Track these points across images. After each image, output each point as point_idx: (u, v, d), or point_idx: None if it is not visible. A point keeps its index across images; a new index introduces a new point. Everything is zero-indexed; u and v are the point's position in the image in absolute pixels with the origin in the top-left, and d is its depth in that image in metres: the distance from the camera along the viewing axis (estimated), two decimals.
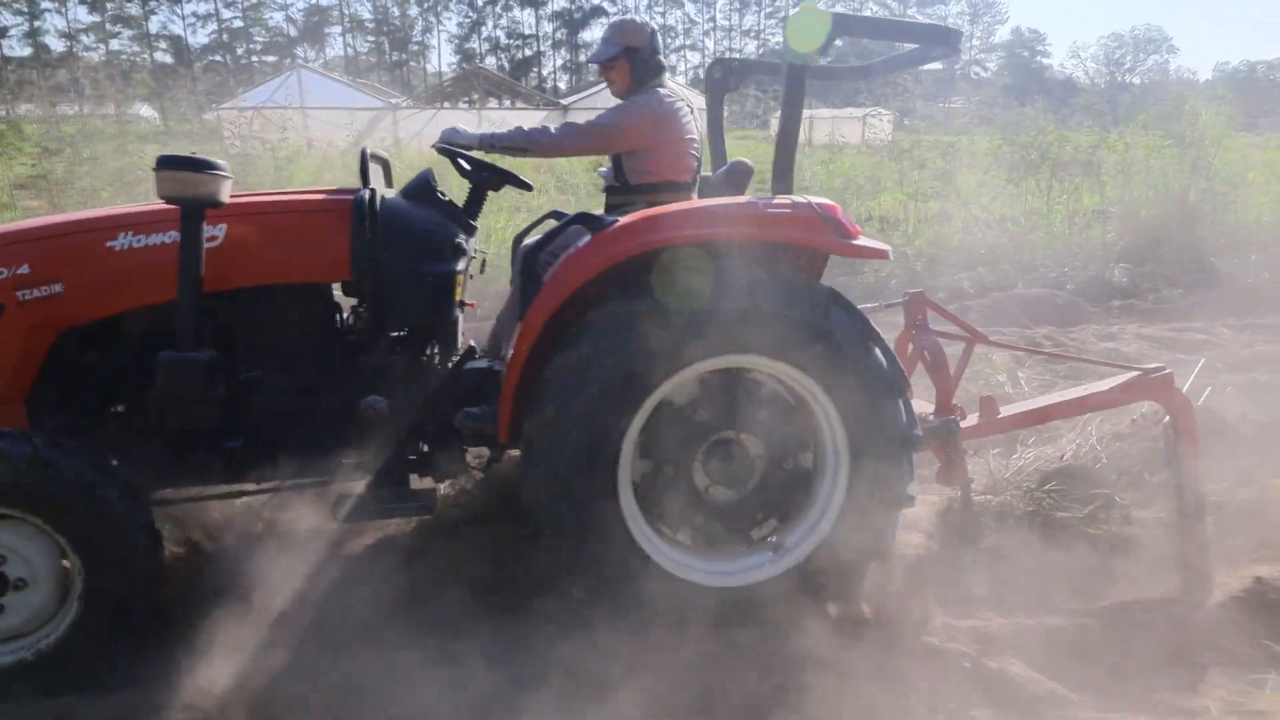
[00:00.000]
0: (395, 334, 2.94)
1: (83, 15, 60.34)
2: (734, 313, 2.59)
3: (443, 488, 3.47)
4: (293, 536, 3.12)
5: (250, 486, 2.93)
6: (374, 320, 2.86)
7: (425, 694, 2.35)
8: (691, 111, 3.56)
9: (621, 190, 3.46)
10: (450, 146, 3.23)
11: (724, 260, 2.63)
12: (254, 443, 2.78)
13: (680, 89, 3.73)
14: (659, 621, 2.61)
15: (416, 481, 3.02)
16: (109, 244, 2.66)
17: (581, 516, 2.61)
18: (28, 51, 57.50)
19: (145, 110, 16.13)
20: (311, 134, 12.37)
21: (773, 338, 2.62)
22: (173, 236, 2.59)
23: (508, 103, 34.90)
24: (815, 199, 2.79)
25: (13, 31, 58.07)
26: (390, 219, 2.88)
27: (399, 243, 2.86)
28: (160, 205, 2.61)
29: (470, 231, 3.17)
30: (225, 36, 63.37)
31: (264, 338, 2.81)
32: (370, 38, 71.44)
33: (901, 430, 2.74)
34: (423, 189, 3.08)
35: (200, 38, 63.55)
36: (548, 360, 2.61)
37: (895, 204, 10.77)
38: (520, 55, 73.68)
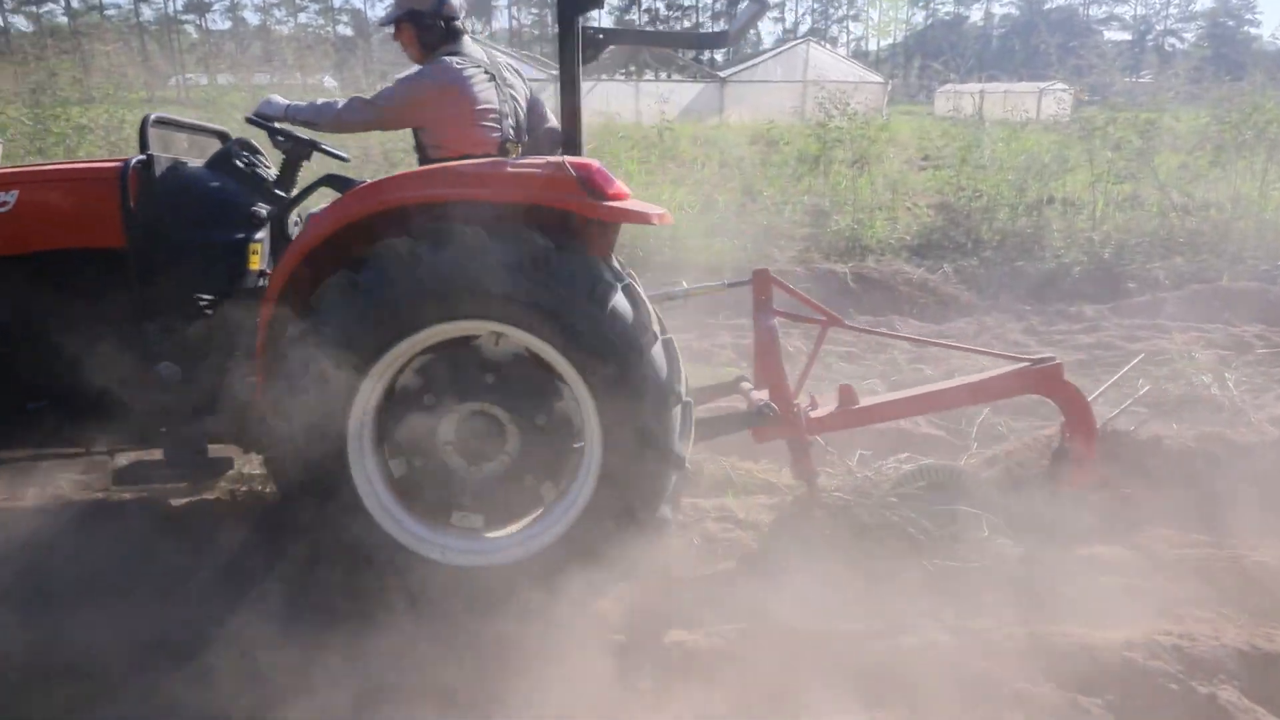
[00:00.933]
0: (188, 301, 2.88)
1: None
2: (455, 277, 2.46)
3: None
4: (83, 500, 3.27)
5: (54, 450, 3.00)
6: (163, 287, 2.84)
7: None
8: (493, 79, 3.31)
9: (422, 165, 3.18)
10: (259, 118, 3.16)
11: (456, 222, 2.48)
12: (54, 407, 2.83)
13: (486, 53, 3.45)
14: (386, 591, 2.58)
15: (215, 450, 3.00)
16: None
17: (317, 493, 2.59)
18: (228, 25, 62.36)
19: (328, 80, 17.08)
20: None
21: (499, 303, 2.47)
22: None
23: (663, 75, 34.80)
24: (575, 158, 2.60)
25: (216, 7, 63.12)
26: (176, 187, 2.89)
27: (184, 211, 2.87)
28: None
29: (273, 201, 3.11)
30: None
31: (55, 302, 2.79)
32: (534, 9, 72.96)
33: (659, 388, 2.54)
34: (222, 159, 3.08)
35: (378, 10, 66.71)
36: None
37: (1081, 185, 10.04)
38: (680, 25, 73.34)
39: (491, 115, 3.28)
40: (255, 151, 3.29)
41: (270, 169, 3.29)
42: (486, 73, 3.33)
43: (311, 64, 15.31)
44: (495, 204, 2.54)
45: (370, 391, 2.63)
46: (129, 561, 2.89)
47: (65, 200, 2.90)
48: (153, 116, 3.12)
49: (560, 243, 2.54)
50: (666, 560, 2.88)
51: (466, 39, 3.43)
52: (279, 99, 3.28)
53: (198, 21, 62.95)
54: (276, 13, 63.82)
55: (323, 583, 2.70)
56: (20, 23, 59.75)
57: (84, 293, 2.85)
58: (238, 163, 3.16)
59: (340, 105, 3.26)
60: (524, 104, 3.53)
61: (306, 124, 3.24)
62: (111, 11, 62.12)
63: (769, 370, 3.21)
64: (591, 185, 2.53)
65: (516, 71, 3.57)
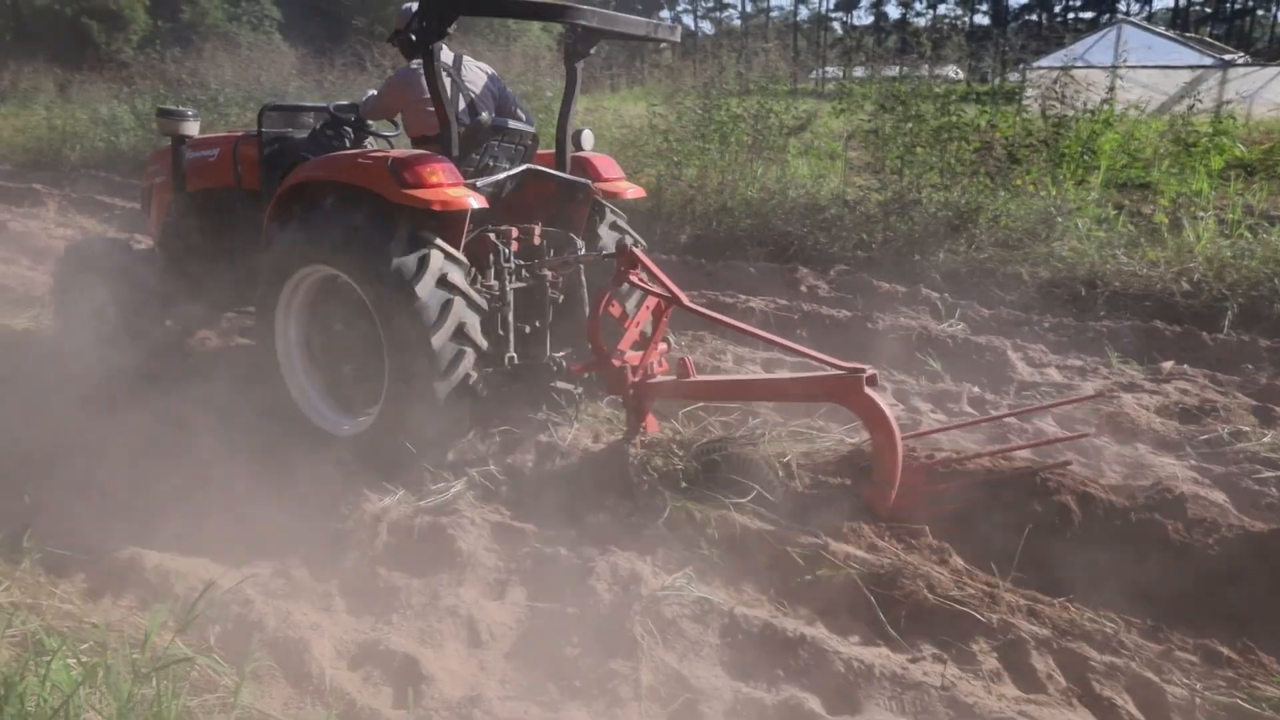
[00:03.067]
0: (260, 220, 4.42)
1: None
2: (304, 237, 3.90)
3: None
4: None
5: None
6: (254, 214, 4.62)
7: None
8: (450, 77, 4.26)
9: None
10: (337, 111, 4.73)
11: (329, 197, 3.87)
12: (236, 279, 4.71)
13: (455, 58, 4.44)
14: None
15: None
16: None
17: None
18: (869, 20, 65.76)
19: (952, 71, 16.62)
20: (1131, 95, 11.24)
21: (327, 253, 3.81)
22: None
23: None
24: (408, 153, 3.76)
25: (863, 3, 66.98)
26: (271, 152, 4.72)
27: (272, 167, 4.65)
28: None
29: None
30: None
31: (220, 217, 4.91)
32: None
33: (421, 329, 3.55)
34: (315, 133, 4.75)
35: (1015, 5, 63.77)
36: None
37: None
38: None
39: (442, 105, 3.97)
40: (340, 125, 4.68)
41: (347, 140, 4.72)
42: (445, 74, 4.14)
43: (945, 54, 15.46)
44: (343, 184, 3.82)
45: (289, 298, 4.13)
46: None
47: (219, 156, 4.92)
48: (265, 105, 4.85)
49: (405, 216, 3.66)
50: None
51: (441, 48, 4.11)
52: (372, 91, 4.79)
53: (844, 18, 67.54)
54: (917, 5, 65.27)
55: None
56: (706, 26, 71.08)
57: (227, 212, 4.83)
58: (325, 135, 4.64)
59: (364, 102, 4.70)
60: (481, 94, 4.50)
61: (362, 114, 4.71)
62: (775, 12, 70.23)
63: (592, 332, 3.85)
64: (400, 176, 3.59)
65: (484, 70, 4.63)
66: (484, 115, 4.31)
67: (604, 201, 4.60)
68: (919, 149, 8.65)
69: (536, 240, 4.28)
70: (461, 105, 4.35)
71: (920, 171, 8.44)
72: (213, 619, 2.90)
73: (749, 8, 70.90)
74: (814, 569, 3.02)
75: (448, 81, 4.23)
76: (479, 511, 3.44)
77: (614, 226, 4.65)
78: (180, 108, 5.16)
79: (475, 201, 3.71)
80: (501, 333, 3.98)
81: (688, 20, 73.74)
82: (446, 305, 3.59)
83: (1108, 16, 52.81)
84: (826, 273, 7.56)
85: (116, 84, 17.78)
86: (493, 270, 4.00)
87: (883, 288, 7.03)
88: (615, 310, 3.99)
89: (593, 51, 4.44)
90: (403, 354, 3.64)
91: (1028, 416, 4.33)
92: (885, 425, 3.25)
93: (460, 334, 3.64)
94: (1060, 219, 7.57)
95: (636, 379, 3.84)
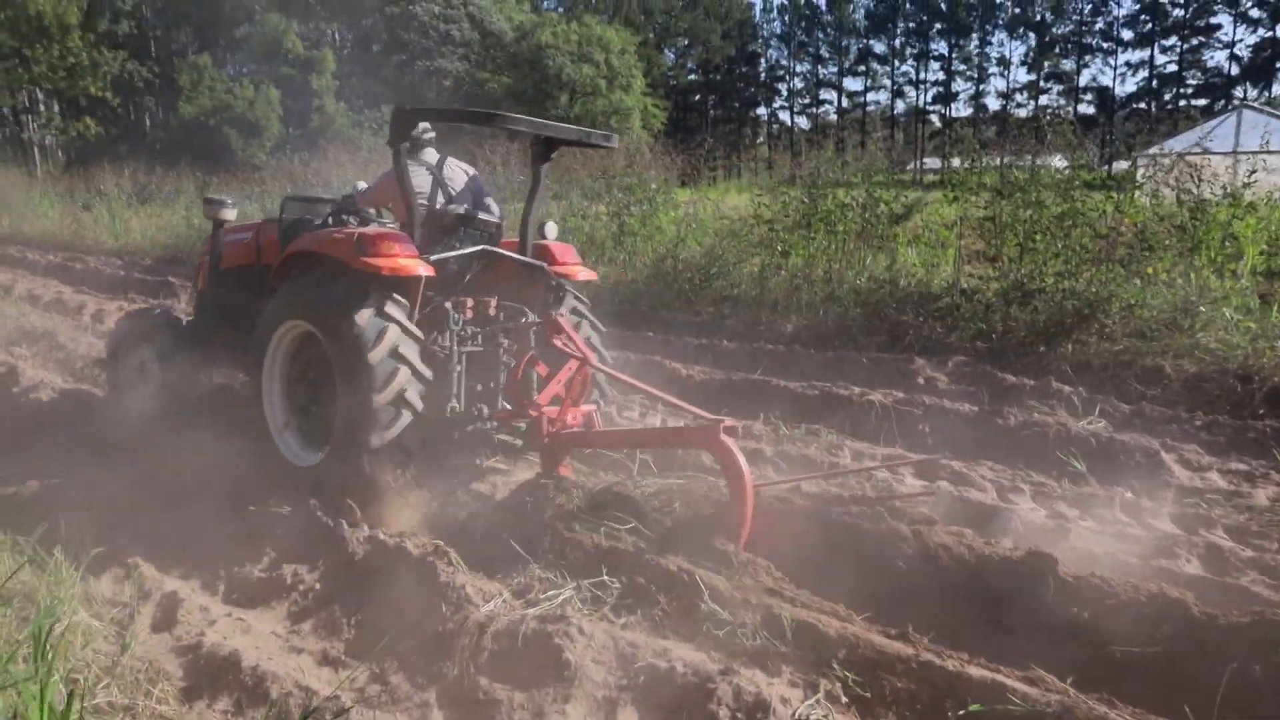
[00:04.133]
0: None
1: (1021, 76, 65.53)
2: (286, 298, 4.71)
3: None
4: None
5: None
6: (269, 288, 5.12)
7: None
8: (431, 174, 5.16)
9: None
10: (344, 201, 5.30)
11: (309, 267, 4.69)
12: (236, 342, 5.31)
13: (440, 159, 5.29)
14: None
15: None
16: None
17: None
18: (968, 112, 65.52)
19: (1057, 160, 16.15)
20: (1272, 180, 10.57)
21: (302, 311, 4.59)
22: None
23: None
24: (373, 231, 4.54)
25: (961, 95, 66.95)
26: (291, 235, 5.15)
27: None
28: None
29: None
30: (1155, 83, 60.98)
31: (248, 292, 5.45)
32: None
33: (366, 386, 4.20)
34: (330, 218, 5.22)
35: (1128, 86, 62.48)
36: None
37: None
38: None
39: (420, 196, 4.94)
40: (345, 213, 5.15)
41: (352, 225, 5.05)
42: (428, 172, 5.13)
43: (1051, 143, 15.07)
44: (321, 255, 4.56)
45: (275, 347, 4.78)
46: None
47: (248, 239, 5.62)
48: (286, 196, 5.61)
49: (370, 284, 4.30)
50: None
51: (429, 149, 5.22)
52: (362, 184, 5.57)
53: (941, 110, 67.53)
54: (1018, 96, 64.81)
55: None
56: (802, 122, 72.17)
57: (250, 287, 5.40)
58: (334, 221, 5.11)
59: (361, 194, 5.35)
60: (460, 190, 5.23)
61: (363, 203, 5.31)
62: (872, 107, 70.89)
63: (511, 388, 4.63)
64: (361, 247, 4.29)
65: (465, 170, 5.37)
66: (453, 207, 5.08)
67: (568, 287, 5.19)
68: (1039, 236, 8.25)
69: (492, 311, 4.95)
70: (440, 198, 5.15)
71: (1043, 259, 8.01)
72: None
73: (845, 103, 71.85)
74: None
75: (429, 178, 5.16)
76: (588, 620, 3.18)
77: (575, 310, 5.22)
78: (220, 197, 5.81)
79: (422, 270, 4.39)
80: (454, 389, 4.62)
81: (784, 116, 75.20)
82: (393, 373, 4.24)
83: (1222, 103, 51.11)
84: (945, 364, 7.16)
85: (250, 185, 19.04)
86: (447, 334, 4.65)
87: (1008, 380, 6.58)
88: (542, 370, 4.68)
89: (553, 156, 5.23)
90: (349, 406, 4.28)
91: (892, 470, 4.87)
92: (737, 470, 3.68)
93: (400, 399, 4.27)
94: (1204, 308, 7.00)
95: (552, 430, 4.43)
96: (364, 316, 4.23)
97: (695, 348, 8.25)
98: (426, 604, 3.39)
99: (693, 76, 73.62)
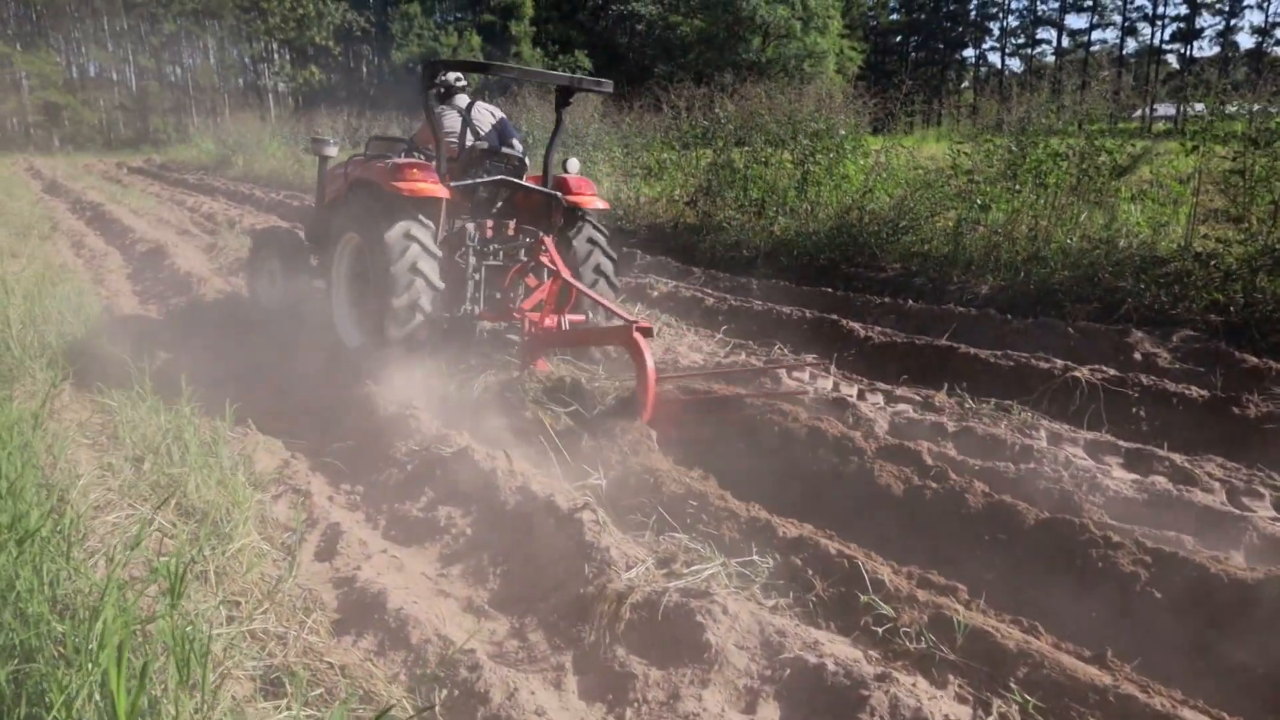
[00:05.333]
0: None
1: None
2: (346, 213, 5.78)
3: None
4: None
5: None
6: None
7: None
8: (461, 117, 6.12)
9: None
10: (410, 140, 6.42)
11: (363, 188, 5.65)
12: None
13: (470, 102, 6.23)
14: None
15: None
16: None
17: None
18: (1214, 50, 57.75)
19: None
20: None
21: (353, 226, 5.64)
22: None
23: None
24: (405, 161, 5.44)
25: (1206, 31, 59.02)
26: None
27: None
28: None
29: None
30: None
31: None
32: None
33: (385, 292, 5.15)
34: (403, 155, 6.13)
35: None
36: None
37: None
38: None
39: (450, 135, 6.04)
40: (414, 150, 6.04)
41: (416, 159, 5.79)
42: (458, 114, 6.12)
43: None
44: (367, 181, 5.59)
45: (340, 253, 5.96)
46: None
47: (340, 175, 6.34)
48: (371, 136, 6.55)
49: (398, 203, 5.24)
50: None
51: (461, 95, 6.26)
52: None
53: (1180, 49, 59.95)
54: (1277, 33, 56.28)
55: None
56: (1014, 63, 66.44)
57: (339, 213, 6.08)
58: (408, 154, 5.95)
59: (414, 136, 6.35)
60: (487, 130, 6.19)
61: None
62: (1096, 47, 64.00)
63: (504, 296, 5.77)
64: (398, 175, 5.25)
65: (492, 112, 6.31)
66: (479, 143, 6.00)
67: (587, 216, 5.94)
68: None
69: (510, 232, 5.87)
70: (469, 136, 6.05)
71: None
72: (442, 679, 2.68)
73: (1065, 42, 65.23)
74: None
75: (459, 119, 6.11)
76: (734, 599, 2.95)
77: (590, 239, 5.91)
78: (325, 136, 6.53)
79: (439, 193, 5.29)
80: (469, 294, 5.58)
81: (994, 58, 69.44)
82: (405, 248, 5.13)
83: None
84: (1168, 339, 6.25)
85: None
86: (468, 249, 5.60)
87: (1248, 362, 5.64)
88: (531, 282, 5.67)
89: (571, 101, 5.93)
90: (377, 304, 5.24)
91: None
92: (643, 362, 4.45)
93: (414, 305, 5.16)
94: None
95: (531, 331, 5.24)
96: (392, 235, 5.15)
97: (877, 307, 7.70)
98: (570, 563, 3.28)
99: (894, 16, 69.33)
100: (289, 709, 2.40)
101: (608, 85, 5.74)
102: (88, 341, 5.85)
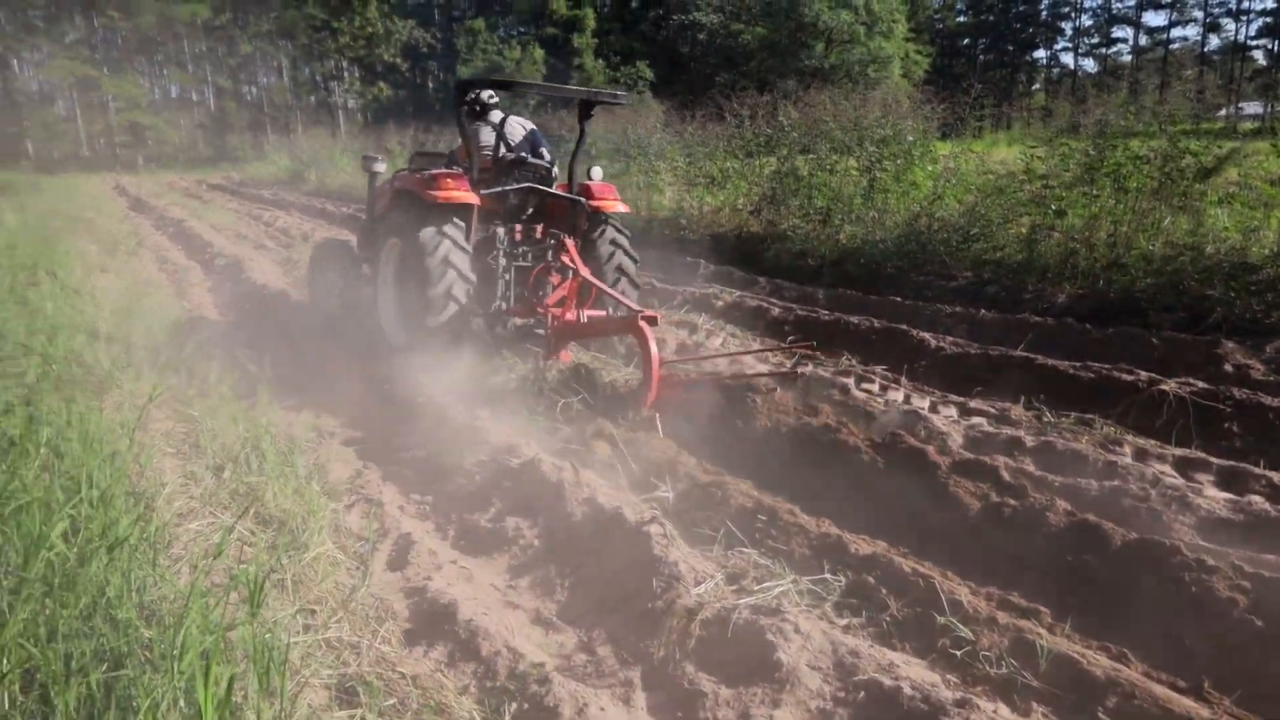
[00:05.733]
0: None
1: None
2: (387, 222, 6.39)
3: None
4: None
5: None
6: None
7: None
8: (494, 130, 6.51)
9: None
10: (452, 153, 6.90)
11: (404, 199, 6.15)
12: None
13: (504, 117, 6.60)
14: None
15: None
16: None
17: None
18: None
19: None
20: None
21: (396, 232, 6.18)
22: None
23: None
24: (439, 172, 5.94)
25: None
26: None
27: None
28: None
29: None
30: None
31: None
32: None
33: (420, 282, 5.61)
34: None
35: None
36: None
37: None
38: None
39: (485, 149, 6.46)
40: (453, 163, 6.44)
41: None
42: (491, 128, 6.54)
43: None
44: (407, 191, 6.08)
45: (385, 258, 6.55)
46: None
47: (388, 189, 6.73)
48: (415, 151, 7.41)
49: (433, 211, 5.75)
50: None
51: (495, 110, 6.67)
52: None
53: (1269, 45, 57.39)
54: None
55: None
56: (1087, 64, 64.53)
57: (388, 226, 6.44)
58: (448, 166, 6.40)
59: (454, 151, 6.80)
60: (519, 142, 6.60)
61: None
62: (1177, 44, 61.72)
63: (531, 291, 6.10)
64: (428, 185, 5.78)
65: (523, 125, 6.75)
66: (508, 154, 6.43)
67: (611, 220, 6.43)
68: None
69: (538, 235, 6.32)
70: (501, 148, 6.44)
71: None
72: (512, 692, 2.69)
73: (1143, 40, 63.08)
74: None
75: (493, 134, 6.51)
76: (806, 617, 2.90)
77: (613, 241, 6.41)
78: (373, 154, 6.99)
79: (470, 199, 5.78)
80: (499, 293, 6.10)
81: (1067, 59, 67.55)
82: (438, 244, 5.61)
83: None
84: (1261, 350, 5.96)
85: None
86: (499, 251, 6.10)
87: None
88: (555, 280, 6.07)
89: (593, 114, 6.45)
90: (415, 296, 5.68)
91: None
92: (647, 350, 4.84)
93: (448, 294, 5.60)
94: None
95: (554, 325, 5.75)
96: (426, 233, 5.63)
97: (948, 317, 7.53)
98: (639, 576, 3.27)
99: (961, 19, 68.01)
100: (364, 719, 2.43)
101: (623, 98, 6.31)
102: (172, 353, 6.08)
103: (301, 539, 3.46)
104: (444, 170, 6.00)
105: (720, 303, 8.52)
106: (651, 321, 5.00)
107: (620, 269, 6.37)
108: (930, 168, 11.49)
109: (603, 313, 5.97)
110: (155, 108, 56.22)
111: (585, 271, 5.80)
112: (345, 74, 59.51)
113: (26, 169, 28.50)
